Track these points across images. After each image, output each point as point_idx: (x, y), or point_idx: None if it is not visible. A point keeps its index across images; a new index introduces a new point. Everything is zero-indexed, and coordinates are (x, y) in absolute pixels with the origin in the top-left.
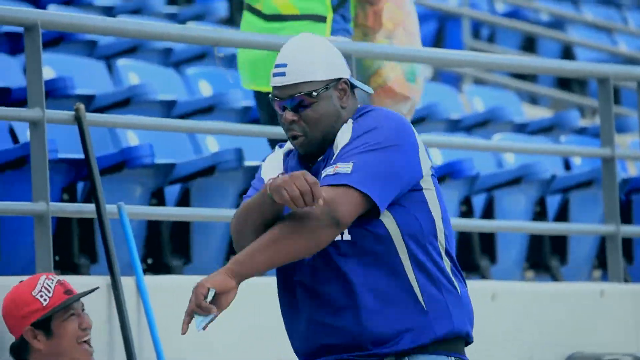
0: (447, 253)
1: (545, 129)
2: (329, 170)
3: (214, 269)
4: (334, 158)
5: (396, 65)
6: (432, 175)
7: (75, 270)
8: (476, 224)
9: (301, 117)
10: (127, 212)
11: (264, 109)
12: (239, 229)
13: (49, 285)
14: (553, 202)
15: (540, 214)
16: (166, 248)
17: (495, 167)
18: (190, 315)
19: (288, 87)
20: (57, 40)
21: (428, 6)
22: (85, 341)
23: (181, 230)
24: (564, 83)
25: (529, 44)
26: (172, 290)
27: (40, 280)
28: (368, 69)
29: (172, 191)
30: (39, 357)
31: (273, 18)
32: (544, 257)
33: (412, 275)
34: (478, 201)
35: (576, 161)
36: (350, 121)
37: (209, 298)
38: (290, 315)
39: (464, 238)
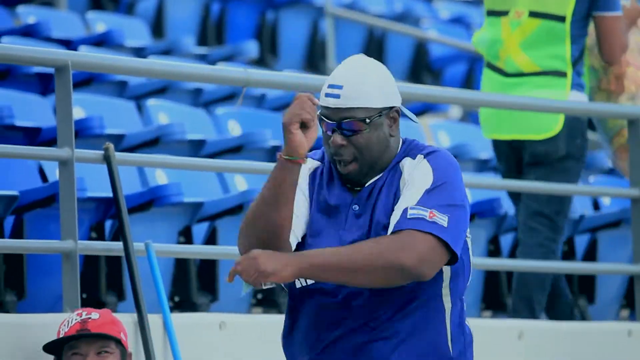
0: (463, 295)
1: None
2: (422, 212)
3: (241, 307)
4: (411, 191)
5: None
6: None
7: (102, 307)
8: (504, 263)
9: (351, 142)
10: (155, 250)
11: (503, 160)
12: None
13: (71, 320)
14: (581, 242)
15: (568, 254)
16: (193, 286)
17: None
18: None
19: (341, 109)
20: (87, 80)
21: (458, 48)
22: None
23: (208, 268)
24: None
25: None
26: (198, 328)
27: (72, 314)
28: (611, 129)
29: (200, 229)
30: None
31: (514, 75)
32: (572, 297)
33: (449, 322)
34: (506, 240)
35: (605, 201)
36: (421, 157)
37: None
38: (310, 331)
39: (491, 277)
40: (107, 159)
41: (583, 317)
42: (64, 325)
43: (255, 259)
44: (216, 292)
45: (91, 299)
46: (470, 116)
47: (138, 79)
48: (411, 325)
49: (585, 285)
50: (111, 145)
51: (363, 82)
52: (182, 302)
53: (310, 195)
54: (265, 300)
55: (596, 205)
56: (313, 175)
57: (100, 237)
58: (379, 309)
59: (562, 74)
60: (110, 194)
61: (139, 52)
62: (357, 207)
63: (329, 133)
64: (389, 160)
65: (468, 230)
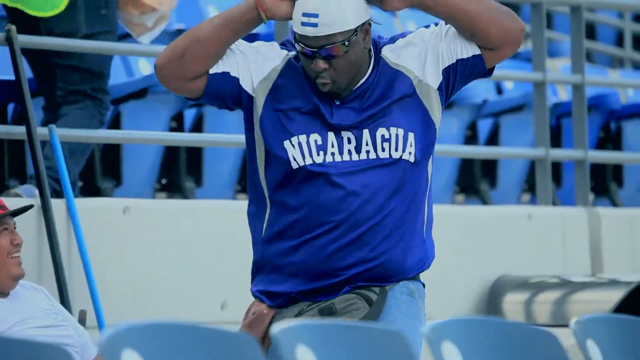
0: None
1: None
2: None
3: (145, 193)
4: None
5: None
6: None
7: (5, 191)
8: (459, 150)
9: (332, 66)
10: (58, 134)
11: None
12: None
13: None
14: (484, 126)
15: (471, 138)
16: (98, 171)
17: None
18: None
19: (320, 37)
20: None
21: None
22: (15, 257)
23: (113, 153)
24: None
25: None
26: (102, 213)
27: None
28: None
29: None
30: None
31: None
32: (474, 181)
33: (426, 205)
34: (484, 126)
35: (508, 85)
36: (401, 40)
37: None
38: (300, 234)
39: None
40: (9, 41)
41: (485, 202)
42: None
43: None
44: (120, 177)
45: None
46: None
47: None
48: (400, 215)
49: (488, 170)
50: (13, 27)
51: (337, 7)
52: (86, 187)
53: (278, 76)
54: (169, 185)
55: (499, 90)
56: (290, 61)
57: (3, 120)
58: (374, 197)
59: None
60: (13, 77)
61: None
62: (339, 102)
63: (310, 59)
64: (366, 67)
65: None
